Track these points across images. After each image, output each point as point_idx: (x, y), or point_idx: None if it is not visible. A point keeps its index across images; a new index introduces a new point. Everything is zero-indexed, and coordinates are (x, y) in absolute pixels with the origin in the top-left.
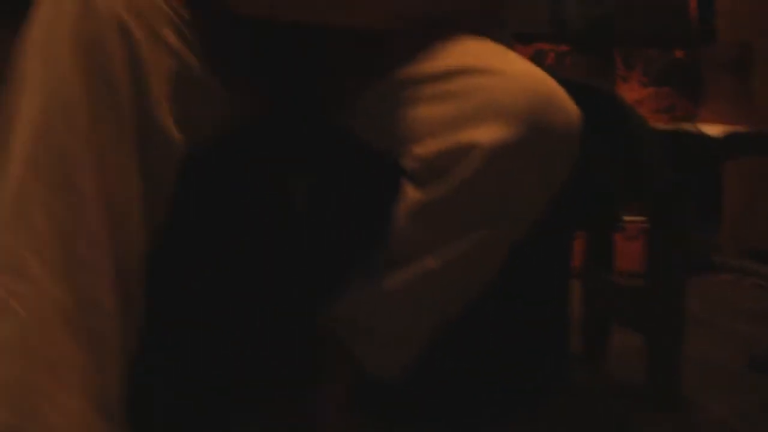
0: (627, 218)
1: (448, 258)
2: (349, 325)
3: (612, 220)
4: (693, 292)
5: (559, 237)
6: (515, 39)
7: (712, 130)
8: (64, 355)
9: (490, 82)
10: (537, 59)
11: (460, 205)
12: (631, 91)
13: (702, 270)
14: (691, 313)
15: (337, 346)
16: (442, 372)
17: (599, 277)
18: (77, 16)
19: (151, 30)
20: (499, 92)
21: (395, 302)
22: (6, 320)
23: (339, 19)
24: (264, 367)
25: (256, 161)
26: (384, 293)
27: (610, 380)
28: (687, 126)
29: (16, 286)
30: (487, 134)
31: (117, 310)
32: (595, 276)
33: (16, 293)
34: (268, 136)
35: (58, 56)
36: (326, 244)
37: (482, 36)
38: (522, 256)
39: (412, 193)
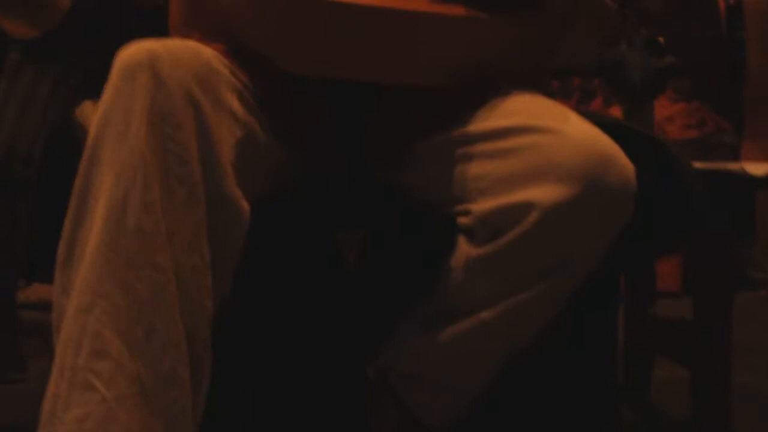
0: None
1: (503, 311)
2: (402, 374)
3: (656, 259)
4: (734, 312)
5: (606, 278)
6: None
7: (756, 169)
8: (143, 429)
9: (546, 141)
10: (563, 92)
11: (516, 262)
12: (662, 108)
13: (740, 287)
14: (736, 337)
15: (389, 394)
16: (491, 417)
17: (642, 309)
18: (150, 90)
19: (217, 99)
20: (554, 151)
21: (449, 353)
22: (89, 399)
23: (386, 77)
24: (318, 416)
25: (308, 217)
26: (438, 344)
27: (655, 413)
28: (732, 166)
29: (98, 365)
30: (544, 194)
31: (189, 380)
32: (637, 307)
33: (98, 372)
34: (319, 191)
35: (132, 131)
36: (377, 296)
37: (532, 83)
38: (572, 300)
39: (467, 249)
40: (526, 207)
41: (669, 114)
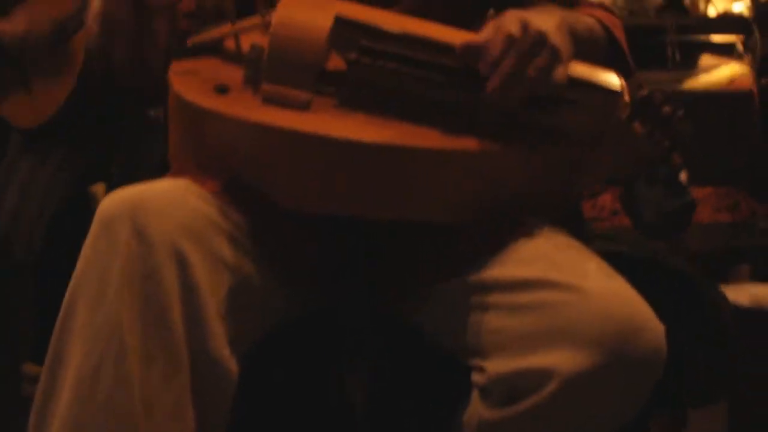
0: None
1: None
2: None
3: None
4: None
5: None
6: None
7: None
8: None
9: (567, 300)
10: None
11: (533, 429)
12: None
13: None
14: None
15: None
16: None
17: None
18: (130, 247)
19: (207, 249)
20: (576, 313)
21: None
22: None
23: (391, 213)
24: None
25: (312, 358)
26: None
27: None
28: None
29: None
30: (564, 361)
31: None
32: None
33: None
34: (324, 330)
35: (109, 294)
36: None
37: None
38: None
39: (481, 409)
40: (544, 374)
41: (698, 197)
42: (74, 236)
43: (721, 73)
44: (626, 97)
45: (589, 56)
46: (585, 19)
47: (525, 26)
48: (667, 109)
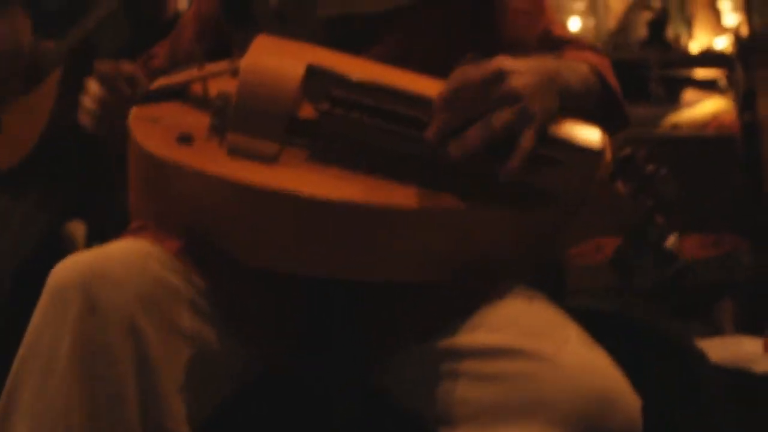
0: None
1: None
2: None
3: None
4: None
5: None
6: None
7: None
8: None
9: (540, 371)
10: None
11: None
12: None
13: None
14: None
15: None
16: None
17: None
18: (82, 320)
19: (164, 320)
20: (549, 386)
21: None
22: None
23: (361, 273)
24: None
25: (276, 423)
26: None
27: None
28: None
29: None
30: None
31: None
32: None
33: None
34: (288, 393)
35: (57, 371)
36: None
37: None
38: None
39: None
40: None
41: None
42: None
43: (704, 107)
44: (608, 156)
45: (581, 108)
46: (580, 69)
47: (500, 75)
48: (650, 168)
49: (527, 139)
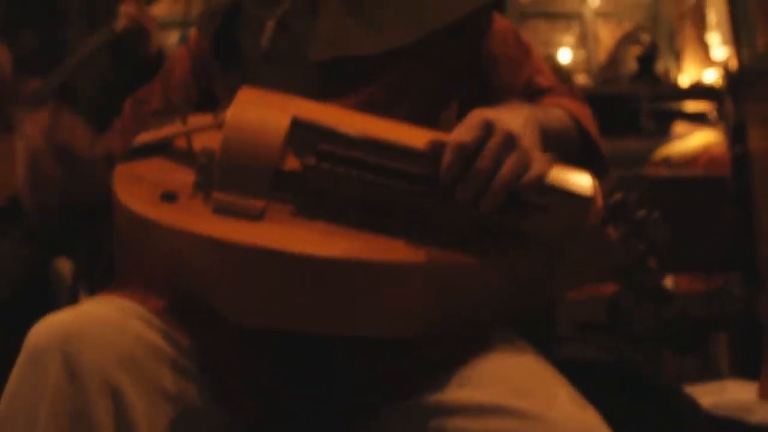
0: None
1: None
2: None
3: None
4: None
5: None
6: None
7: None
8: None
9: (527, 430)
10: None
11: None
12: None
13: None
14: None
15: None
16: None
17: None
18: (60, 383)
19: (146, 381)
20: None
21: None
22: None
23: (349, 329)
24: None
25: None
26: None
27: None
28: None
29: None
30: None
31: None
32: None
33: None
34: None
35: None
36: None
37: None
38: None
39: None
40: None
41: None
42: (33, 313)
43: (694, 140)
44: (599, 202)
45: (560, 153)
46: (555, 113)
47: (491, 127)
48: (641, 212)
49: (533, 176)
